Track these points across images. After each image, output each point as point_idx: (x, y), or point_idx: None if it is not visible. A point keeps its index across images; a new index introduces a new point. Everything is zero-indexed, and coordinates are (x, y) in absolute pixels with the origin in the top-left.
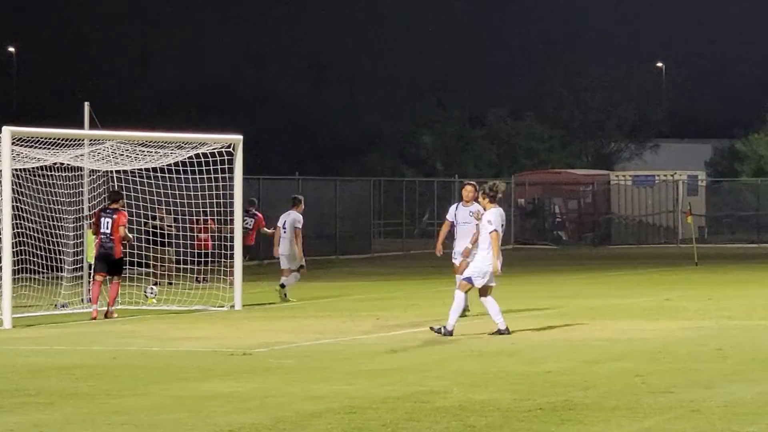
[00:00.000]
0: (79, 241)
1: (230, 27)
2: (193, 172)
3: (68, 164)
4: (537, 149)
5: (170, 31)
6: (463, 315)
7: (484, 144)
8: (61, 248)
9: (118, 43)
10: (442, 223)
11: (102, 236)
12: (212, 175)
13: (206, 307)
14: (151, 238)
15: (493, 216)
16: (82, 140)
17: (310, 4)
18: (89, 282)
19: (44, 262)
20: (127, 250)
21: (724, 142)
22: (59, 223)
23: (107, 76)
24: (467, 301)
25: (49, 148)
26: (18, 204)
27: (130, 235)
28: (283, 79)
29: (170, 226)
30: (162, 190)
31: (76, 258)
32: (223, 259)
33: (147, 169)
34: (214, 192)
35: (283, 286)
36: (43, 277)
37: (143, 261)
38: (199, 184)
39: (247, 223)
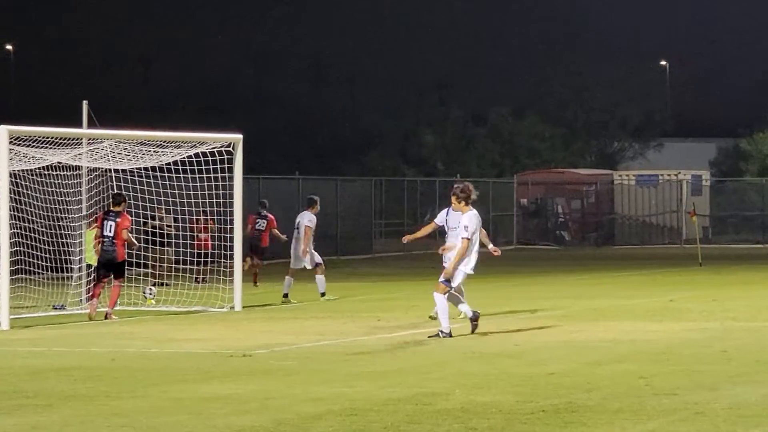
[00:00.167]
0: (78, 241)
1: (230, 27)
2: (192, 172)
3: (67, 164)
4: (539, 148)
5: (170, 31)
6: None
7: (485, 143)
8: (67, 248)
9: (118, 43)
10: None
11: (105, 240)
12: (212, 175)
13: (206, 308)
14: (150, 238)
15: (470, 221)
16: (81, 139)
17: (310, 4)
18: (88, 283)
19: (43, 263)
20: (126, 251)
21: (728, 142)
22: (59, 223)
23: (107, 76)
24: (465, 296)
25: (47, 147)
26: (16, 204)
27: (137, 243)
28: (283, 79)
29: (170, 226)
30: (162, 190)
31: (76, 258)
32: (222, 260)
33: (146, 169)
34: (213, 192)
35: (286, 295)
36: (42, 278)
37: (142, 261)
38: (198, 184)
39: (259, 225)
